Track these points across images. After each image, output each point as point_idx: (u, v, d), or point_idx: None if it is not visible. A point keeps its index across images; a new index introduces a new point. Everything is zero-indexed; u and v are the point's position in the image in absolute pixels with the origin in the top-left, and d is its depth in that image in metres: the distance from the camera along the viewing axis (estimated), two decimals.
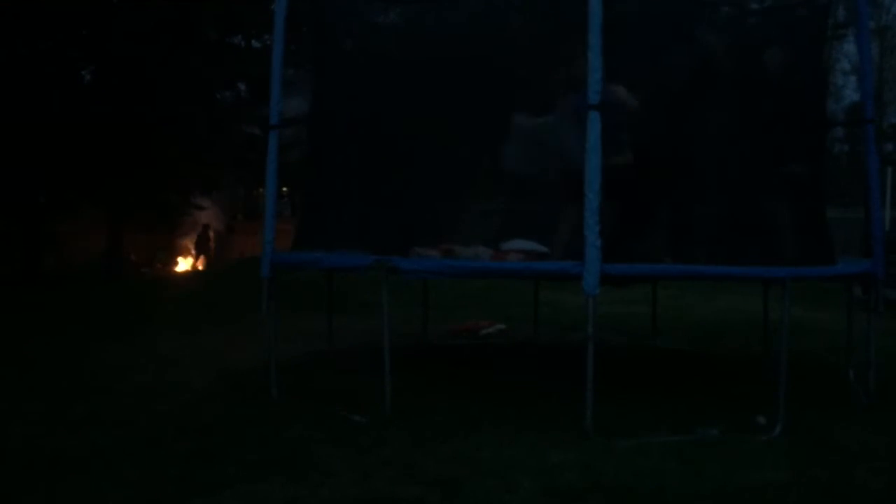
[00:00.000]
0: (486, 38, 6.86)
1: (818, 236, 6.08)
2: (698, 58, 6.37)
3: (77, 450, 4.62)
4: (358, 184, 6.85)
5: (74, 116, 12.86)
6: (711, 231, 6.32)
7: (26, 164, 12.93)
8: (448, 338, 8.67)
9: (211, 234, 19.93)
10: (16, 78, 12.32)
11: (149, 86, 12.88)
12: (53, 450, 4.63)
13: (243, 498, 3.93)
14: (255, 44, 15.12)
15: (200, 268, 19.05)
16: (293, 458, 4.48)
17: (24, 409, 5.55)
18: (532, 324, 8.69)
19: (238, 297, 10.34)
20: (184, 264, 19.26)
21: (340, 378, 6.42)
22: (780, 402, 5.06)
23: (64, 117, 12.74)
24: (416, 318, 8.32)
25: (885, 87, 29.87)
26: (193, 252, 19.56)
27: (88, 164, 13.53)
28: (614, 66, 5.47)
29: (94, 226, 15.46)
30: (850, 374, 6.29)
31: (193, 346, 7.89)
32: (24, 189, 13.55)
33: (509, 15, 7.08)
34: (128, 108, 13.00)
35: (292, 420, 5.25)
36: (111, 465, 4.37)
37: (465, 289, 11.38)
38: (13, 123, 12.30)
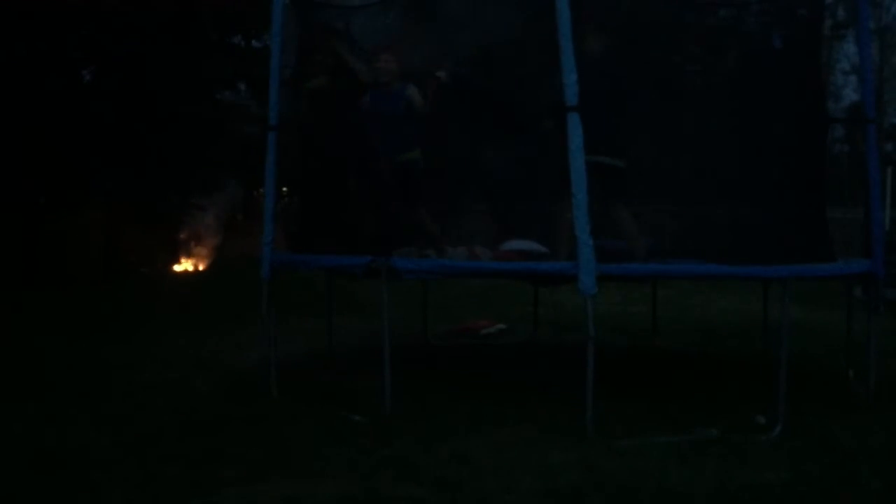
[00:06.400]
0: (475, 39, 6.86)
1: (818, 234, 6.08)
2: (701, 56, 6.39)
3: (77, 450, 4.62)
4: (350, 186, 6.82)
5: (74, 116, 12.85)
6: (711, 230, 6.32)
7: (26, 164, 12.93)
8: (448, 338, 8.67)
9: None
10: (16, 78, 12.31)
11: (149, 86, 12.88)
12: (53, 450, 4.63)
13: (243, 498, 3.94)
14: (256, 44, 15.11)
15: (201, 268, 19.03)
16: (293, 458, 4.49)
17: (24, 409, 5.55)
18: (532, 324, 8.69)
19: (238, 298, 10.34)
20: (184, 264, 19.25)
21: (340, 378, 6.41)
22: (780, 402, 5.06)
23: (64, 117, 12.73)
24: (416, 318, 8.32)
25: (885, 86, 29.85)
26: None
27: (88, 164, 13.52)
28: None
29: (94, 226, 15.43)
30: (850, 374, 6.29)
31: (193, 346, 7.89)
32: (24, 189, 13.55)
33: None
34: (128, 107, 13.00)
35: (292, 420, 5.25)
36: (111, 465, 4.37)
37: (465, 289, 11.38)
38: (13, 123, 12.29)
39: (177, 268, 18.29)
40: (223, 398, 5.89)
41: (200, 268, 18.85)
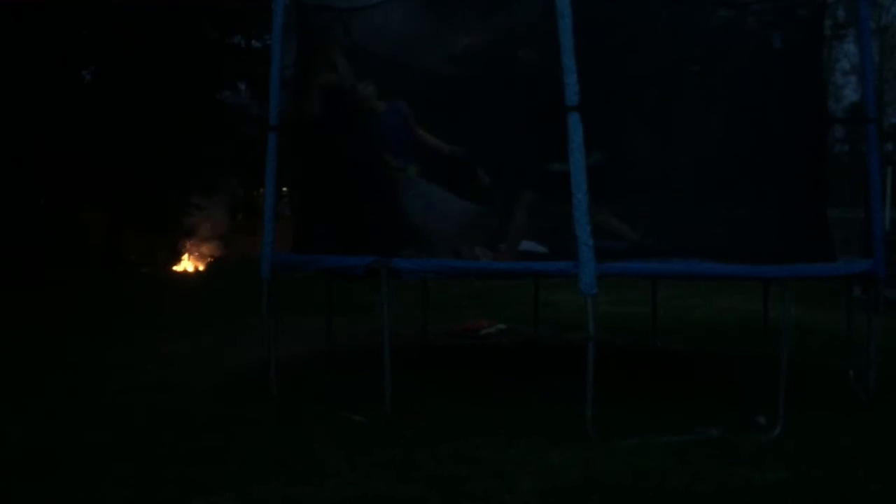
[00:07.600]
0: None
1: (818, 234, 6.08)
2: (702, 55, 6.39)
3: (77, 450, 4.62)
4: (348, 186, 6.81)
5: (74, 116, 12.86)
6: (711, 230, 6.31)
7: (27, 164, 12.94)
8: (448, 338, 8.67)
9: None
10: (16, 78, 12.32)
11: (149, 86, 12.89)
12: (53, 450, 4.63)
13: (243, 498, 3.93)
14: (256, 44, 15.12)
15: (201, 268, 19.06)
16: (293, 458, 4.48)
17: (25, 408, 5.55)
18: (532, 324, 8.69)
19: (238, 298, 10.34)
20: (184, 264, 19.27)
21: (340, 378, 6.42)
22: (780, 402, 5.06)
23: (64, 117, 12.74)
24: (416, 318, 8.32)
25: (886, 87, 29.88)
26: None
27: (88, 164, 13.53)
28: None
29: (94, 226, 15.45)
30: (850, 374, 6.29)
31: (193, 346, 7.89)
32: (25, 189, 13.56)
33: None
34: (128, 107, 13.01)
35: (292, 420, 5.25)
36: (111, 465, 4.37)
37: (465, 289, 11.38)
38: (13, 123, 12.30)
39: (177, 268, 18.31)
40: (223, 398, 5.89)
41: (200, 268, 18.86)
